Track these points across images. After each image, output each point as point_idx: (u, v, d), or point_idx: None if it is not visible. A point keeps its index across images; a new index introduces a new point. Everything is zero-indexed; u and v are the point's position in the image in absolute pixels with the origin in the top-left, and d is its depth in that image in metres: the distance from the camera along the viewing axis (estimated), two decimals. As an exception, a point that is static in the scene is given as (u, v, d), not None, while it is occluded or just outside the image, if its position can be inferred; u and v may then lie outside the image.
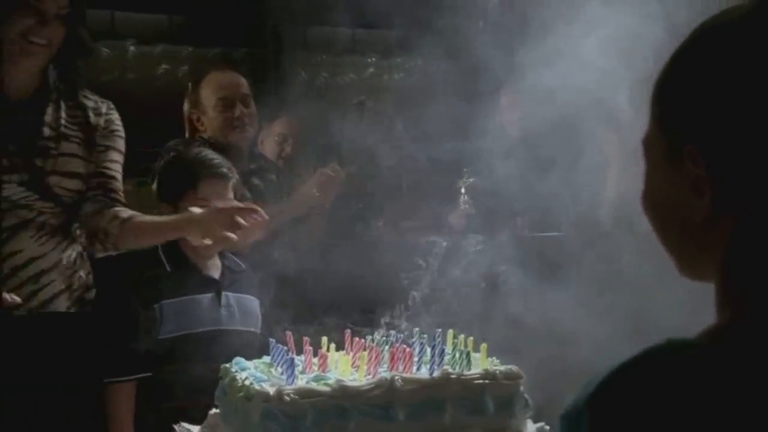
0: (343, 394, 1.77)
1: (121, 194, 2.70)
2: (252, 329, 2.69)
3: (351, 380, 1.79)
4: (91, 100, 2.64)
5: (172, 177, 2.84)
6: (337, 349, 1.97)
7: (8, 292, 2.31)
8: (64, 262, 2.51)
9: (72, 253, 2.55)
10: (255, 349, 2.58)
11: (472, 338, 1.99)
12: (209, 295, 2.65)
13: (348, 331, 2.01)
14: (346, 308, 3.28)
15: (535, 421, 1.96)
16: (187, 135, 3.81)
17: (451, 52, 4.90)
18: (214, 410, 1.93)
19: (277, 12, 5.03)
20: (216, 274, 2.71)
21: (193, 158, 2.81)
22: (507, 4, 4.86)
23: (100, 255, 2.54)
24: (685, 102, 0.93)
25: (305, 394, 1.74)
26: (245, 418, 1.74)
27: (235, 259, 2.85)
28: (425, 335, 2.00)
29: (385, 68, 5.42)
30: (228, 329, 2.62)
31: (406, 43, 5.18)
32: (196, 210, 2.44)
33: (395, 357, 1.86)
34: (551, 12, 3.98)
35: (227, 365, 1.93)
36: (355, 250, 3.91)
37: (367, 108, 5.10)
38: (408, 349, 1.90)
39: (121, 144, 2.70)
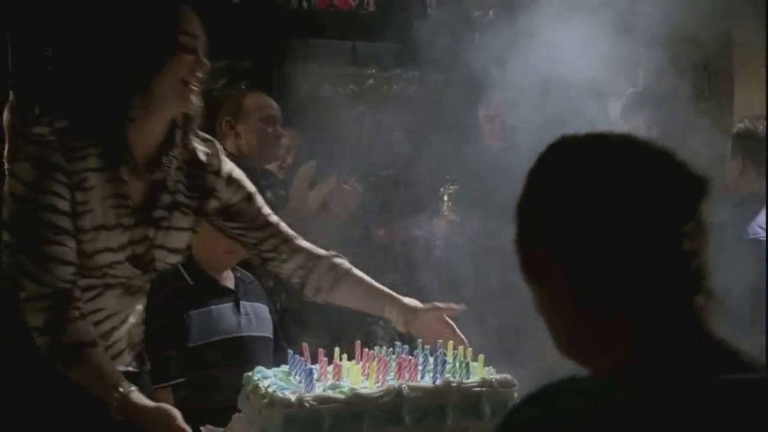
0: (357, 400, 1.93)
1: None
2: (267, 334, 2.89)
3: (363, 388, 1.97)
4: (201, 151, 2.33)
5: None
6: (348, 358, 2.15)
7: None
8: (132, 318, 2.32)
9: (140, 307, 2.37)
10: (270, 352, 2.80)
11: (470, 349, 2.18)
12: (229, 304, 2.84)
13: (358, 342, 2.17)
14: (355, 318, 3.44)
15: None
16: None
17: (447, 65, 5.07)
18: (238, 414, 2.12)
19: (280, 26, 5.17)
20: (231, 284, 2.92)
21: None
22: (502, 19, 5.02)
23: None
24: (534, 220, 1.27)
25: (323, 400, 1.90)
26: (269, 422, 1.92)
27: (244, 271, 3.06)
28: (427, 346, 2.19)
29: (385, 79, 5.55)
30: (248, 335, 2.82)
31: (405, 56, 5.33)
32: (415, 303, 2.34)
33: (402, 366, 2.04)
34: (542, 28, 4.14)
35: (249, 373, 2.11)
36: (358, 259, 4.09)
37: (367, 119, 5.25)
38: (413, 360, 2.09)
39: (250, 183, 2.48)
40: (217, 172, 2.34)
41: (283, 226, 2.46)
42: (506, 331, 4.04)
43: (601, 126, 4.65)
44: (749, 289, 3.35)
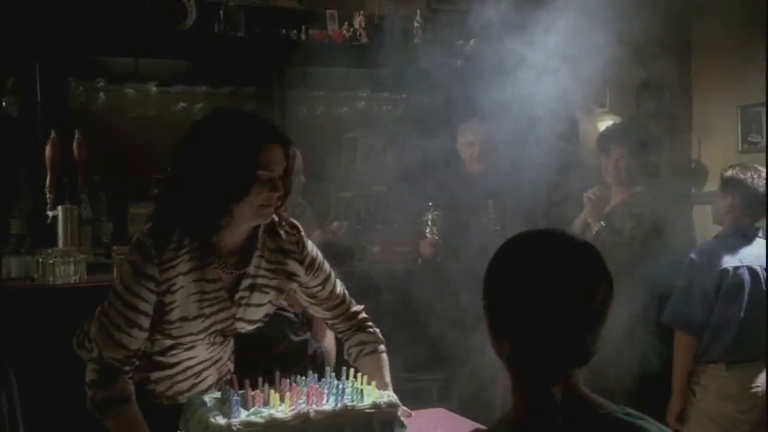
0: (273, 423, 2.28)
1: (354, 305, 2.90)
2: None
3: (279, 411, 2.33)
4: (287, 240, 2.69)
5: None
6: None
7: (176, 383, 2.67)
8: (224, 358, 2.79)
9: (231, 346, 2.82)
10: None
11: (366, 376, 2.56)
12: None
13: (277, 373, 2.50)
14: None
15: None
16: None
17: (431, 88, 5.26)
18: None
19: (282, 55, 5.45)
20: None
21: None
22: (482, 47, 5.38)
23: None
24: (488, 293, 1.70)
25: (247, 425, 2.26)
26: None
27: None
28: (333, 373, 2.54)
29: (375, 101, 5.83)
30: None
31: (393, 81, 5.59)
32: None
33: (310, 394, 2.42)
34: (518, 56, 4.50)
35: (190, 400, 2.51)
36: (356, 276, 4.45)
37: (361, 141, 5.62)
38: (318, 388, 2.45)
39: (327, 266, 2.82)
40: (301, 261, 2.71)
41: (347, 302, 2.87)
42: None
43: (572, 145, 5.00)
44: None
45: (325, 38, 5.65)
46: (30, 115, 4.82)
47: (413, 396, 4.43)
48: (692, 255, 4.02)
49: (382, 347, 2.86)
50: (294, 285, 2.75)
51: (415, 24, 5.81)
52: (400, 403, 2.50)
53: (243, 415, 2.32)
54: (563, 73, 4.75)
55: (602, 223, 4.48)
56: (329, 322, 2.90)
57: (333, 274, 2.84)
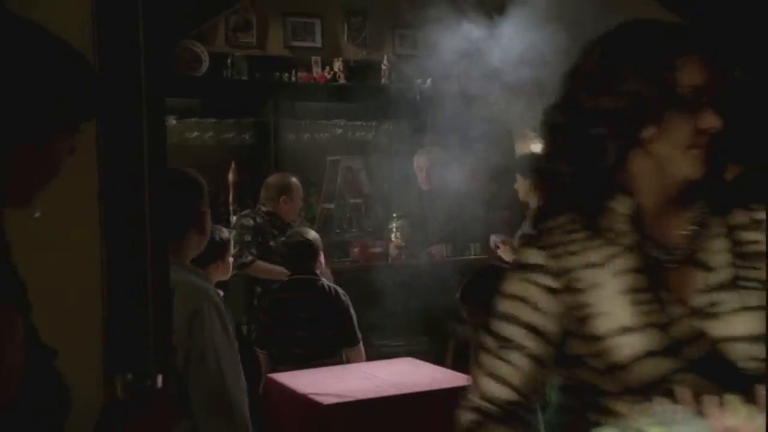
0: None
1: None
2: None
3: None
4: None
5: None
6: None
7: None
8: None
9: None
10: None
11: None
12: None
13: None
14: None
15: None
16: (231, 197, 5.55)
17: (395, 118, 6.33)
18: None
19: (276, 93, 6.34)
20: None
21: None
22: (437, 85, 6.29)
23: None
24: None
25: None
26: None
27: None
28: None
29: (350, 128, 6.67)
30: None
31: (365, 111, 6.54)
32: None
33: None
34: (466, 92, 5.51)
35: None
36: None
37: (341, 163, 6.47)
38: None
39: None
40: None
41: None
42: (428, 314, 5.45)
43: (509, 165, 6.04)
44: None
45: (311, 79, 6.54)
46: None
47: (387, 357, 5.41)
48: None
49: None
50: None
51: (383, 67, 6.72)
52: None
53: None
54: (503, 104, 5.84)
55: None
56: None
57: None
